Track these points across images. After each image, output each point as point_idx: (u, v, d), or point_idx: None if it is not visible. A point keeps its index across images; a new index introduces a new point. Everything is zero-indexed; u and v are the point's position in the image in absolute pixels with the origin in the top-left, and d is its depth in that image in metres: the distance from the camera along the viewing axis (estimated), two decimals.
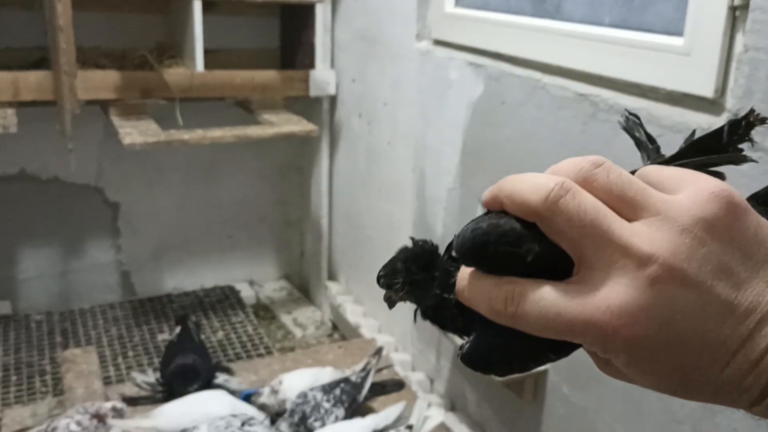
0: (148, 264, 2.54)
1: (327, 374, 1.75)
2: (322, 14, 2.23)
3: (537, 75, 1.45)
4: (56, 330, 2.31)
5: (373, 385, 1.73)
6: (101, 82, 1.95)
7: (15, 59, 2.05)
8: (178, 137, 1.89)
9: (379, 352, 1.80)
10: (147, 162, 2.40)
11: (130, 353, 2.20)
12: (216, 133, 1.96)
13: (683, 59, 1.13)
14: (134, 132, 1.87)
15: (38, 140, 2.20)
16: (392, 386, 1.81)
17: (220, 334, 2.34)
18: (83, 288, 2.46)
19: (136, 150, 1.85)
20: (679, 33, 1.15)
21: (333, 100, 2.34)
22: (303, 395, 1.61)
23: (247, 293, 2.63)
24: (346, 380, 1.69)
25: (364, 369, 1.74)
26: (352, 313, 2.33)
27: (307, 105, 2.35)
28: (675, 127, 1.15)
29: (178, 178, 2.50)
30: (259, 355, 2.20)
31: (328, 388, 1.64)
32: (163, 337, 2.28)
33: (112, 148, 2.25)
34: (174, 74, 2.05)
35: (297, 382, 1.68)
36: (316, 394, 1.62)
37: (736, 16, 1.05)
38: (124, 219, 2.46)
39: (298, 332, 2.44)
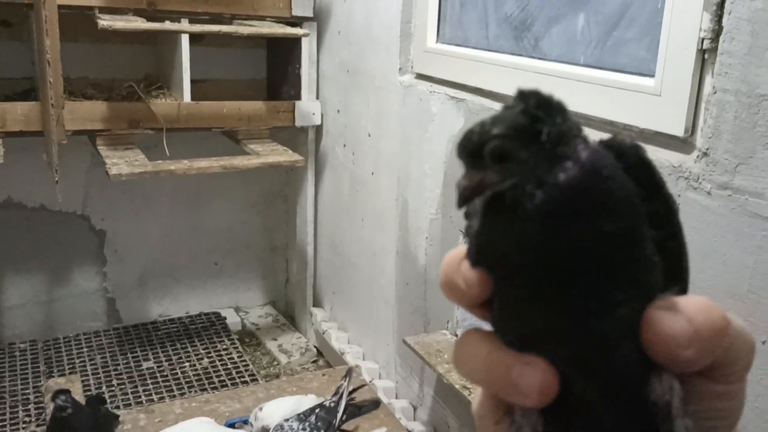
0: (133, 291, 2.55)
1: (308, 401, 1.76)
2: (307, 47, 2.27)
3: None
4: (40, 358, 2.30)
5: (349, 406, 1.73)
6: (88, 113, 1.97)
7: (3, 89, 2.07)
8: (165, 168, 1.92)
9: (349, 373, 1.81)
10: (133, 190, 2.42)
11: (115, 381, 2.20)
12: (202, 163, 1.98)
13: (655, 99, 1.18)
14: (121, 162, 1.89)
15: (25, 169, 2.22)
16: (368, 406, 1.81)
17: (206, 361, 2.34)
18: (68, 315, 2.46)
19: (122, 180, 1.86)
20: (650, 74, 1.20)
21: (318, 130, 2.38)
22: (279, 427, 1.62)
23: (232, 320, 2.64)
24: (320, 406, 1.70)
25: (336, 392, 1.74)
26: (337, 340, 2.35)
27: (292, 134, 2.39)
28: None
29: (164, 206, 2.52)
30: (244, 383, 2.20)
31: (303, 417, 1.65)
32: (148, 365, 2.28)
33: (99, 177, 2.27)
34: (161, 105, 2.08)
35: (278, 409, 1.68)
36: (293, 424, 1.63)
37: (705, 58, 1.10)
38: (109, 246, 2.47)
39: (283, 359, 2.45)
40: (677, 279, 0.29)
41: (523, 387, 0.28)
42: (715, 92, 1.07)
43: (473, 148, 0.28)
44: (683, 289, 0.30)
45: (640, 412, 0.28)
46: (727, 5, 1.03)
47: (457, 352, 0.31)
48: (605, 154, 0.27)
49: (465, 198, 0.29)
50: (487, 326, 0.31)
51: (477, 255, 0.29)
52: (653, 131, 1.19)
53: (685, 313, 0.27)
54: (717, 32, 1.05)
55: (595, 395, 0.28)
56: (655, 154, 1.18)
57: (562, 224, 0.26)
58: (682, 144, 1.15)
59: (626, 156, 0.28)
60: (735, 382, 0.30)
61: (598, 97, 1.29)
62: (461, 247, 0.30)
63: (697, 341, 0.27)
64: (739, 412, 0.31)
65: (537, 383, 0.28)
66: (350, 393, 1.75)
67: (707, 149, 1.08)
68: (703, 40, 1.07)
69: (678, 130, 1.13)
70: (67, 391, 1.49)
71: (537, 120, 0.27)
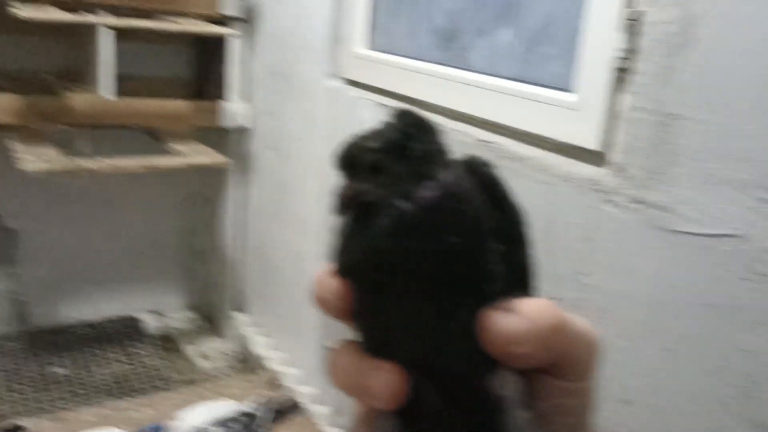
0: (46, 294, 2.43)
1: (227, 408, 1.72)
2: (236, 47, 2.23)
3: (442, 120, 1.51)
4: None
5: (271, 412, 1.71)
6: (1, 107, 1.88)
7: None
8: (83, 166, 1.84)
9: (276, 382, 1.79)
10: (49, 188, 2.31)
11: (23, 387, 2.09)
12: (123, 162, 1.92)
13: (573, 114, 1.22)
14: (36, 159, 1.81)
15: None
16: (288, 409, 1.80)
17: (120, 366, 2.26)
18: None
19: (37, 177, 1.78)
20: (570, 89, 1.23)
21: (246, 132, 2.34)
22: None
23: (151, 324, 2.56)
24: (244, 413, 1.68)
25: (261, 401, 1.72)
26: (259, 345, 2.31)
27: (219, 136, 2.34)
28: (565, 176, 1.22)
29: (82, 206, 2.42)
30: (161, 389, 2.14)
31: (224, 423, 1.62)
32: (60, 370, 2.19)
33: (12, 173, 2.16)
34: (81, 100, 2.00)
35: (195, 416, 1.65)
36: (214, 430, 1.59)
37: (620, 77, 1.14)
38: (22, 247, 2.35)
39: (202, 364, 2.40)
40: (522, 285, 0.33)
41: (374, 391, 0.30)
42: (629, 109, 1.11)
43: (351, 159, 0.31)
44: (528, 295, 0.33)
45: (479, 406, 0.31)
46: (641, 26, 1.08)
47: (328, 362, 0.33)
48: (463, 175, 0.30)
49: (345, 206, 0.32)
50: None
51: (337, 264, 0.31)
52: (572, 145, 1.22)
53: (520, 312, 0.30)
54: (633, 52, 1.10)
55: (439, 394, 0.31)
56: (572, 167, 1.21)
57: (409, 238, 0.29)
58: (599, 158, 1.18)
59: (478, 173, 0.31)
60: (579, 381, 0.32)
61: (521, 109, 1.32)
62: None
63: (531, 338, 0.29)
64: (587, 410, 0.34)
65: (387, 386, 0.30)
66: (274, 400, 1.73)
67: (621, 164, 1.13)
68: (619, 59, 1.11)
69: (594, 144, 1.17)
70: None
71: (410, 138, 0.30)
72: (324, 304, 0.32)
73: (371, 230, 0.29)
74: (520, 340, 0.29)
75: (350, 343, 0.33)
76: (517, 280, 0.32)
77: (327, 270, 0.32)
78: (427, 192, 0.29)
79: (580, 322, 0.32)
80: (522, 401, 0.30)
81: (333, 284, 0.31)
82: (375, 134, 0.31)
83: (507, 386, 0.30)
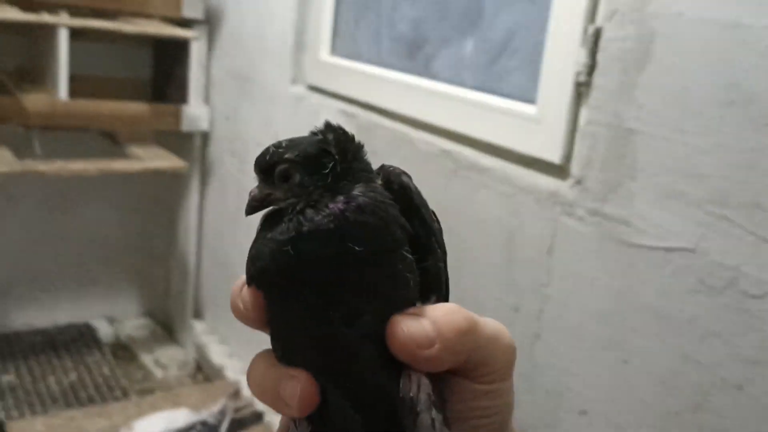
0: None
1: (182, 417, 1.69)
2: (197, 50, 2.20)
3: (405, 128, 1.51)
4: None
5: (231, 422, 1.69)
6: None
7: None
8: (35, 168, 1.79)
9: (237, 393, 1.77)
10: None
11: None
12: (77, 165, 1.87)
13: (534, 126, 1.23)
14: None
15: None
16: (247, 418, 1.77)
17: (73, 375, 2.20)
18: None
19: None
20: (532, 101, 1.25)
21: (206, 136, 2.31)
22: None
23: (105, 331, 2.50)
24: (203, 423, 1.65)
25: (221, 411, 1.70)
26: (217, 354, 2.28)
27: (178, 140, 2.30)
28: (527, 188, 1.24)
29: (32, 208, 2.35)
30: (115, 398, 2.09)
31: None
32: (8, 378, 2.12)
33: None
34: (34, 100, 1.94)
35: (149, 426, 1.61)
36: None
37: (580, 91, 1.16)
38: None
39: (159, 373, 2.35)
40: (435, 291, 0.34)
41: (286, 398, 0.31)
42: (588, 124, 1.13)
43: (266, 165, 0.33)
44: (440, 300, 0.34)
45: (388, 408, 0.31)
46: (601, 42, 1.10)
47: (247, 372, 0.33)
48: (379, 196, 0.31)
49: (252, 207, 0.33)
50: None
51: (247, 272, 0.32)
52: (532, 157, 1.24)
53: (428, 317, 0.30)
54: (592, 67, 1.12)
55: (347, 398, 0.31)
56: (534, 178, 1.23)
57: (309, 244, 0.30)
58: (559, 170, 1.20)
59: (392, 183, 0.33)
60: (495, 382, 0.33)
61: (484, 120, 1.33)
62: None
63: (439, 341, 0.30)
64: (508, 410, 0.34)
65: (297, 394, 0.30)
66: (233, 409, 1.70)
67: (581, 177, 1.14)
68: (579, 73, 1.13)
69: (555, 157, 1.19)
70: None
71: (326, 154, 0.32)
72: (238, 313, 0.32)
73: (274, 237, 0.30)
74: (425, 344, 0.29)
75: (265, 352, 0.33)
76: (430, 287, 0.33)
77: (242, 279, 0.32)
78: (333, 206, 0.30)
79: (492, 324, 0.33)
80: (434, 403, 0.30)
81: (245, 293, 0.31)
82: (294, 143, 0.32)
83: (418, 389, 0.30)
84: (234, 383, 2.03)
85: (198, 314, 2.49)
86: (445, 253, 0.35)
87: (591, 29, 1.11)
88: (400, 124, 1.53)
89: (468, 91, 1.40)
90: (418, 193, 0.34)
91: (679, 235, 1.00)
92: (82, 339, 2.42)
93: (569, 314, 1.17)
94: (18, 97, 1.92)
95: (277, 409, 0.31)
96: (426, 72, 1.53)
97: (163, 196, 2.57)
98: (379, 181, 0.33)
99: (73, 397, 2.08)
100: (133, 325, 2.62)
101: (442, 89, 1.44)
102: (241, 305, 0.32)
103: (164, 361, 2.42)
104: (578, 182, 1.15)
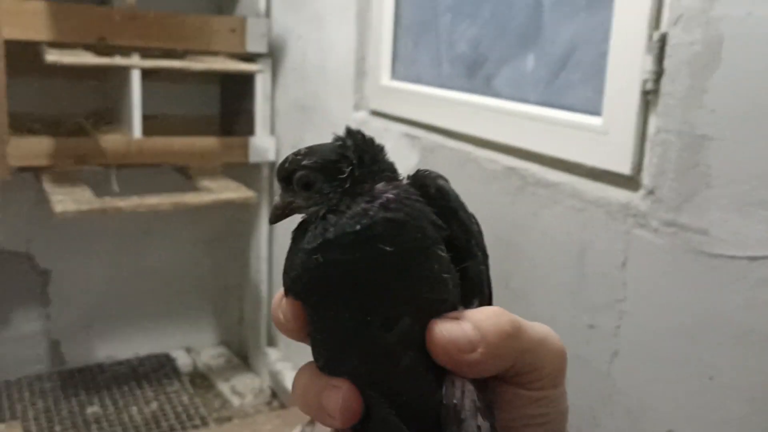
0: (79, 333, 2.46)
1: None
2: (262, 83, 2.27)
3: (469, 147, 1.50)
4: None
5: None
6: (34, 149, 1.92)
7: None
8: (113, 205, 1.87)
9: (313, 420, 1.78)
10: (80, 228, 2.35)
11: (57, 427, 2.11)
12: (152, 200, 1.94)
13: (602, 138, 1.20)
14: (67, 199, 1.84)
15: None
16: None
17: (154, 405, 2.27)
18: (10, 359, 2.36)
19: (68, 218, 1.81)
20: (597, 113, 1.22)
21: (273, 166, 2.36)
22: None
23: (183, 361, 2.56)
24: None
25: None
26: (291, 381, 2.30)
27: (246, 171, 2.36)
28: (597, 201, 1.21)
29: (113, 244, 2.45)
30: (194, 427, 2.13)
31: None
32: (93, 409, 2.20)
33: (44, 215, 2.20)
34: (110, 141, 2.04)
35: None
36: None
37: (648, 99, 1.13)
38: (54, 286, 2.39)
39: (235, 401, 2.39)
40: (477, 295, 0.32)
41: (328, 409, 0.30)
42: (658, 132, 1.09)
43: (286, 174, 0.33)
44: (483, 304, 0.32)
45: (432, 416, 0.30)
46: (667, 49, 1.07)
47: (292, 385, 0.33)
48: (403, 192, 0.31)
49: (275, 216, 0.34)
50: None
51: (283, 283, 0.32)
52: (601, 169, 1.21)
53: (469, 320, 0.29)
54: (659, 74, 1.08)
55: (391, 406, 0.30)
56: (604, 191, 1.20)
57: (338, 250, 0.29)
58: (629, 182, 1.17)
59: (428, 187, 0.32)
60: (546, 388, 0.31)
61: (548, 135, 1.31)
62: None
63: (482, 345, 0.28)
64: (561, 419, 0.32)
65: (339, 404, 0.30)
66: None
67: (653, 187, 1.11)
68: (646, 81, 1.10)
69: (625, 168, 1.15)
70: None
71: (344, 159, 0.31)
72: (279, 324, 0.32)
73: (303, 247, 0.30)
74: (467, 348, 0.28)
75: (309, 363, 0.32)
76: (472, 291, 0.32)
77: (281, 292, 0.32)
78: (354, 204, 0.30)
79: (540, 328, 0.31)
80: (480, 410, 0.29)
81: (284, 304, 0.31)
82: (313, 151, 0.32)
83: (462, 395, 0.29)
84: None
85: (272, 342, 2.53)
86: (486, 256, 0.34)
87: (656, 35, 1.08)
88: (464, 144, 1.52)
89: (531, 107, 1.38)
90: (456, 196, 0.33)
91: (762, 243, 0.95)
92: (162, 369, 2.49)
93: (648, 330, 1.12)
94: (96, 139, 2.01)
95: (321, 421, 0.31)
96: (487, 90, 1.53)
97: (234, 227, 2.63)
98: (405, 181, 0.32)
99: (155, 426, 2.14)
100: (210, 354, 2.68)
101: (505, 106, 1.43)
102: (281, 316, 0.31)
103: (240, 389, 2.46)
104: (650, 193, 1.11)
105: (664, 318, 1.10)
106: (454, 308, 0.30)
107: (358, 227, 0.29)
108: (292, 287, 0.31)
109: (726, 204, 1.00)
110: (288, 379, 2.31)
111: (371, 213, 0.29)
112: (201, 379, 2.52)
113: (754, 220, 0.96)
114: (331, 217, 0.30)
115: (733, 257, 0.99)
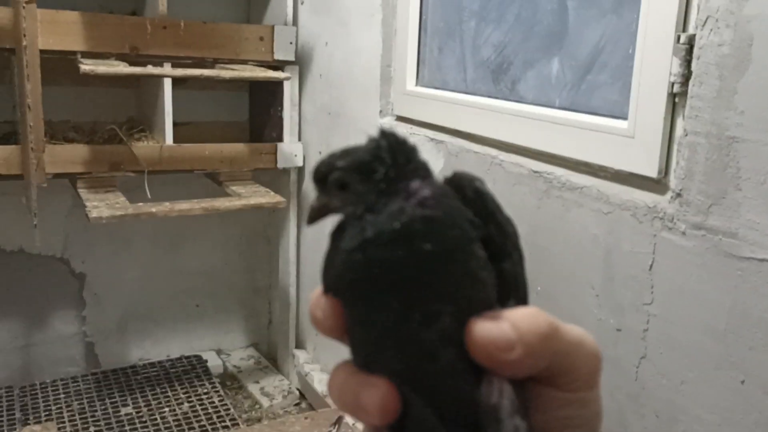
0: (113, 335, 2.51)
1: None
2: (289, 89, 2.29)
3: (494, 152, 1.51)
4: (16, 405, 2.25)
5: None
6: (69, 156, 1.97)
7: None
8: (146, 210, 1.91)
9: (339, 421, 1.79)
10: (114, 233, 2.40)
11: (92, 428, 2.15)
12: (184, 205, 1.98)
13: (628, 141, 1.20)
14: (101, 205, 1.89)
15: (4, 212, 2.20)
16: None
17: (186, 405, 2.30)
18: (46, 361, 2.42)
19: (102, 223, 1.85)
20: (623, 116, 1.22)
21: (300, 171, 2.39)
22: None
23: (214, 362, 2.60)
24: None
25: None
26: (320, 382, 2.32)
27: (275, 176, 2.40)
28: (623, 204, 1.20)
29: (145, 248, 2.50)
30: (225, 427, 2.16)
31: None
32: (127, 410, 2.24)
33: (79, 220, 2.25)
34: (143, 148, 2.08)
35: None
36: None
37: (675, 102, 1.12)
38: (89, 290, 2.44)
39: (265, 402, 2.42)
40: (513, 296, 0.33)
41: (366, 406, 0.30)
42: (686, 134, 1.09)
43: (321, 176, 0.33)
44: (519, 304, 0.32)
45: (470, 415, 0.30)
46: (695, 50, 1.06)
47: (328, 383, 0.33)
48: (439, 190, 0.31)
49: (312, 218, 0.34)
50: None
51: (323, 282, 0.32)
52: (628, 172, 1.20)
53: (508, 319, 0.29)
54: (686, 76, 1.08)
55: (428, 405, 0.30)
56: (630, 194, 1.20)
57: (377, 248, 0.29)
58: (656, 185, 1.16)
59: (464, 189, 0.32)
60: (581, 390, 0.31)
61: (574, 138, 1.31)
62: None
63: (519, 345, 0.29)
64: (596, 421, 0.32)
65: (377, 401, 0.30)
66: None
67: (680, 190, 1.10)
68: (673, 84, 1.10)
69: (651, 171, 1.15)
70: None
71: (379, 159, 0.31)
72: (317, 322, 0.32)
73: (342, 246, 0.31)
74: (506, 347, 0.29)
75: (346, 361, 0.33)
76: (508, 292, 0.32)
77: (319, 289, 0.32)
78: (391, 203, 0.30)
79: (575, 330, 0.32)
80: (518, 410, 0.29)
81: (322, 302, 0.32)
82: (347, 152, 0.32)
83: (500, 395, 0.29)
84: (337, 411, 2.06)
85: (300, 344, 2.56)
86: (522, 257, 0.34)
87: (683, 37, 1.08)
88: (489, 148, 1.53)
89: (556, 111, 1.38)
90: (493, 198, 0.33)
91: None
92: (194, 371, 2.53)
93: (677, 333, 1.12)
94: (129, 146, 2.06)
95: (358, 418, 0.31)
96: (512, 95, 1.53)
97: (262, 231, 2.67)
98: (441, 182, 0.33)
99: (187, 427, 2.17)
100: (240, 356, 2.71)
101: (530, 110, 1.43)
102: (319, 313, 0.32)
103: (269, 390, 2.49)
104: (678, 195, 1.11)
105: (692, 321, 1.09)
106: (492, 308, 0.31)
107: (396, 225, 0.29)
108: (331, 285, 0.32)
109: (756, 206, 0.99)
110: (316, 380, 2.33)
111: (408, 211, 0.30)
112: (231, 381, 2.55)
113: None
114: (369, 217, 0.30)
115: (763, 260, 0.99)
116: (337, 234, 0.32)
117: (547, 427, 0.31)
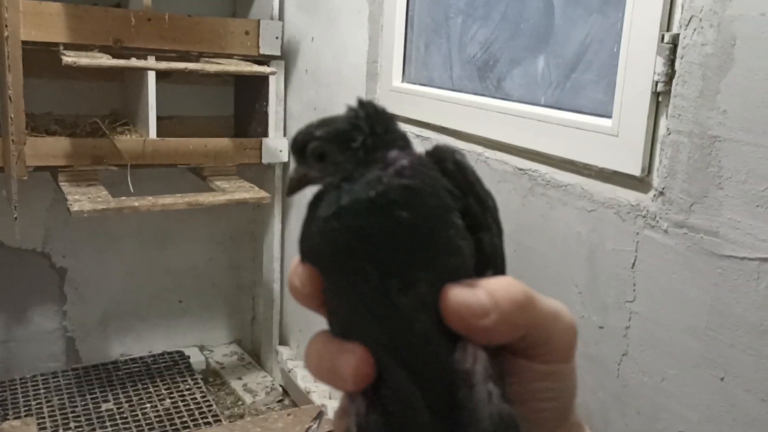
0: (94, 330, 2.49)
1: None
2: (275, 85, 2.28)
3: (479, 149, 1.51)
4: None
5: None
6: (51, 149, 1.95)
7: None
8: (129, 204, 1.89)
9: (320, 416, 1.79)
10: (97, 227, 2.38)
11: (72, 424, 2.13)
12: (167, 200, 1.96)
13: (612, 139, 1.21)
14: (83, 199, 1.87)
15: None
16: None
17: (168, 401, 2.29)
18: (25, 356, 2.39)
19: (84, 217, 1.84)
20: (608, 115, 1.23)
21: (285, 167, 2.38)
22: None
23: (197, 359, 2.59)
24: None
25: None
26: (303, 379, 2.31)
27: (259, 172, 2.38)
28: (607, 202, 1.21)
29: (128, 243, 2.48)
30: (207, 424, 2.15)
31: None
32: (108, 406, 2.22)
33: (61, 214, 2.23)
34: (126, 141, 2.06)
35: None
36: None
37: (659, 101, 1.13)
38: (70, 285, 2.42)
39: (248, 398, 2.41)
40: (490, 266, 0.33)
41: (341, 372, 0.30)
42: (669, 133, 1.10)
43: (299, 146, 0.33)
44: (497, 275, 0.32)
45: (444, 381, 0.30)
46: (679, 50, 1.07)
47: (305, 352, 0.33)
48: (417, 160, 0.31)
49: (291, 188, 0.34)
50: None
51: (300, 251, 0.32)
52: (612, 170, 1.21)
53: (484, 287, 0.29)
54: (670, 76, 1.09)
55: (403, 369, 0.31)
56: (614, 192, 1.20)
57: (353, 216, 0.30)
58: (640, 183, 1.17)
59: (445, 161, 0.32)
60: (557, 362, 0.32)
61: (559, 136, 1.32)
62: None
63: (494, 312, 0.29)
64: (569, 394, 0.33)
65: (351, 367, 0.30)
66: None
67: (663, 188, 1.11)
68: (656, 83, 1.10)
69: (635, 169, 1.16)
70: None
71: (357, 128, 0.32)
72: (294, 291, 0.32)
73: (319, 215, 0.31)
74: (480, 313, 0.29)
75: (323, 331, 0.33)
76: (486, 263, 0.33)
77: (296, 259, 0.32)
78: (368, 172, 0.30)
79: (552, 302, 0.32)
80: (492, 377, 0.29)
81: (299, 271, 0.32)
82: (325, 122, 0.32)
83: (474, 361, 0.30)
84: (320, 407, 2.05)
85: (284, 341, 2.55)
86: (501, 230, 0.34)
87: (668, 37, 1.08)
88: (474, 145, 1.53)
89: (542, 109, 1.39)
90: (473, 170, 0.33)
91: None
92: (176, 367, 2.51)
93: (658, 330, 1.13)
94: (112, 140, 2.04)
95: (333, 384, 0.31)
96: (498, 92, 1.53)
97: (247, 227, 2.66)
98: (421, 154, 0.33)
99: (169, 423, 2.16)
100: (223, 352, 2.70)
101: (515, 108, 1.44)
102: (297, 281, 0.32)
103: (252, 386, 2.48)
104: (660, 194, 1.11)
105: (673, 318, 1.10)
106: (469, 277, 0.31)
107: (372, 193, 0.30)
108: (308, 254, 0.32)
109: (737, 205, 1.00)
110: (299, 377, 2.32)
111: (385, 180, 0.30)
112: (214, 377, 2.54)
113: (765, 222, 0.96)
114: (346, 186, 0.30)
115: (744, 258, 1.00)
116: (315, 203, 0.32)
117: (523, 399, 0.31)
